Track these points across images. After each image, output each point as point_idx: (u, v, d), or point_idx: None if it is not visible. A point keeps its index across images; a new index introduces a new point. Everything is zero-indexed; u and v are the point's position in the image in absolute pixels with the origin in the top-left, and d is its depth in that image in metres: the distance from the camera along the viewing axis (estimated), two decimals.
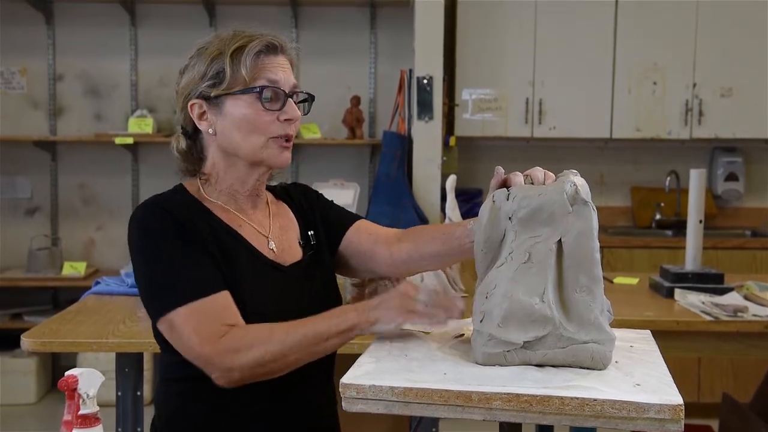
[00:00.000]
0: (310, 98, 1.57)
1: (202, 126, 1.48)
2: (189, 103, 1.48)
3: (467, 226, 1.47)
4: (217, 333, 1.34)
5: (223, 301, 1.38)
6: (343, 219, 1.65)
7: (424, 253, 1.54)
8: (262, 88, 1.44)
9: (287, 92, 1.47)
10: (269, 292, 1.47)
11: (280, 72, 1.47)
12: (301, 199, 1.66)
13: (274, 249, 1.53)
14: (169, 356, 1.47)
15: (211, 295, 1.37)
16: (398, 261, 1.57)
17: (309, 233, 1.60)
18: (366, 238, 1.61)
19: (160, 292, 1.40)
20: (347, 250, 1.63)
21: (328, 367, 1.57)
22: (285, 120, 1.47)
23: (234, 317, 1.38)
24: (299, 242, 1.58)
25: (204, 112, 1.47)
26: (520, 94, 4.46)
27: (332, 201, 1.71)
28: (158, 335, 1.46)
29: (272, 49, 1.48)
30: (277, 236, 1.55)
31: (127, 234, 1.45)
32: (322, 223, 1.64)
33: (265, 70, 1.46)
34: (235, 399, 1.44)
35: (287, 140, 1.49)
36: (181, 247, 1.40)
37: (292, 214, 1.62)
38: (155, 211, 1.44)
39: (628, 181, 4.87)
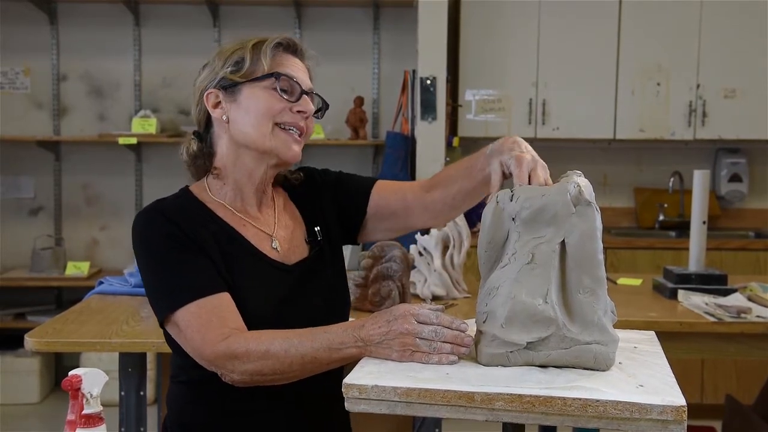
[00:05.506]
0: (324, 105, 1.59)
1: (215, 114, 1.49)
2: (206, 93, 1.50)
3: (485, 152, 1.43)
4: (218, 335, 1.35)
5: (223, 302, 1.39)
6: (360, 187, 1.63)
7: (455, 193, 1.52)
8: (279, 75, 1.47)
9: (303, 89, 1.49)
10: (271, 293, 1.47)
11: (299, 72, 1.51)
12: (304, 190, 1.64)
13: (278, 248, 1.53)
14: (178, 359, 1.49)
15: (210, 296, 1.38)
16: (435, 210, 1.56)
17: (315, 229, 1.58)
18: (393, 198, 1.60)
19: (163, 295, 1.41)
20: (377, 214, 1.61)
21: (339, 370, 1.57)
22: (298, 111, 1.48)
23: (235, 319, 1.38)
24: (305, 239, 1.58)
25: (219, 102, 1.49)
26: (524, 94, 4.46)
27: (340, 171, 1.69)
28: (168, 337, 1.47)
29: (292, 48, 1.52)
30: (282, 235, 1.55)
31: (132, 240, 1.47)
32: (335, 202, 1.62)
33: (283, 66, 1.49)
34: (243, 402, 1.45)
35: (299, 134, 1.49)
36: (180, 252, 1.41)
37: (297, 211, 1.61)
38: (156, 217, 1.45)
39: (631, 182, 4.87)
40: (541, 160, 1.34)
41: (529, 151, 1.36)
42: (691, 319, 2.33)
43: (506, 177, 1.34)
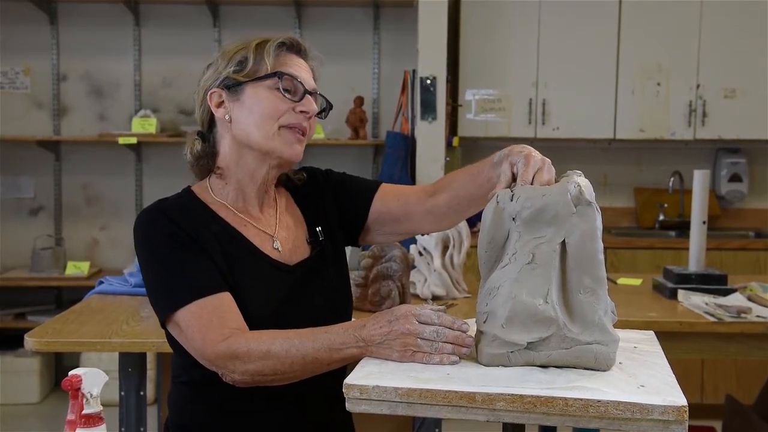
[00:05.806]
0: (328, 106, 1.59)
1: (218, 113, 1.50)
2: (209, 93, 1.50)
3: (492, 160, 1.42)
4: (219, 335, 1.35)
5: (224, 302, 1.39)
6: (363, 190, 1.62)
7: (461, 197, 1.51)
8: (282, 74, 1.47)
9: (307, 89, 1.49)
10: (272, 294, 1.47)
11: (303, 72, 1.51)
12: (307, 190, 1.63)
13: (279, 249, 1.53)
14: (179, 358, 1.49)
15: (211, 296, 1.38)
16: (439, 215, 1.55)
17: (317, 229, 1.58)
18: (395, 203, 1.59)
19: (164, 295, 1.42)
20: (378, 219, 1.61)
21: (341, 370, 1.56)
22: (301, 112, 1.48)
23: (236, 319, 1.38)
24: (307, 240, 1.58)
25: (222, 101, 1.49)
26: (524, 94, 4.46)
27: (344, 173, 1.68)
28: (170, 337, 1.47)
29: (295, 47, 1.53)
30: (284, 236, 1.55)
31: (133, 239, 1.47)
32: (336, 203, 1.62)
33: (286, 66, 1.49)
34: (244, 402, 1.45)
35: (302, 133, 1.49)
36: (182, 252, 1.42)
37: (299, 211, 1.61)
38: (158, 217, 1.45)
39: (631, 182, 4.87)
40: (549, 163, 1.33)
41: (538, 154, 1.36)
42: (691, 319, 2.33)
43: (514, 179, 1.33)
